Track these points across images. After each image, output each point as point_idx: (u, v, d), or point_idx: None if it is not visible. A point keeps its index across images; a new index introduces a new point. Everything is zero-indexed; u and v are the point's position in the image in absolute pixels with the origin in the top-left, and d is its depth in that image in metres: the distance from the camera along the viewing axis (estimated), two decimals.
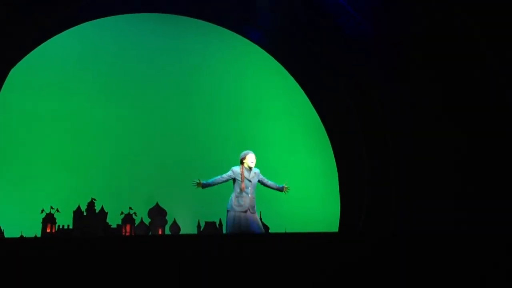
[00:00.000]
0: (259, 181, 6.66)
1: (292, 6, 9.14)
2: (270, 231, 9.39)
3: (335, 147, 10.14)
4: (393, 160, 8.46)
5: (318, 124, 10.31)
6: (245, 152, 6.65)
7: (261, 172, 6.75)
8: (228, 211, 6.51)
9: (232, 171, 6.55)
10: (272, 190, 6.86)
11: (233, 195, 6.51)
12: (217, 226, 9.29)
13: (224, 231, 8.15)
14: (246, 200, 6.42)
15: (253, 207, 6.49)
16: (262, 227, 6.69)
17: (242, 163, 6.60)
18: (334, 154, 10.13)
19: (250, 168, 6.55)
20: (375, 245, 3.94)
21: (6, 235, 7.89)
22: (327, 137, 10.22)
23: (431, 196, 7.54)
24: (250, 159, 6.56)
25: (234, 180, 6.56)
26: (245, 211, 6.40)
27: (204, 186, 6.58)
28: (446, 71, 7.50)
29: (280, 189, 6.78)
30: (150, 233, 8.99)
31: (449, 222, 6.99)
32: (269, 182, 6.74)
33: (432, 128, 7.87)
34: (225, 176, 6.57)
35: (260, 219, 9.01)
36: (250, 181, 6.49)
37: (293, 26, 9.52)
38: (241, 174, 6.47)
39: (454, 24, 7.09)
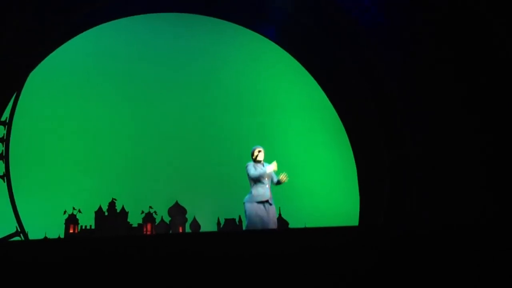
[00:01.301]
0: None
1: (307, 1, 9.08)
2: (289, 226, 9.39)
3: (353, 142, 10.07)
4: (413, 154, 8.36)
5: (335, 118, 10.25)
6: (253, 147, 6.77)
7: (282, 166, 6.78)
8: (245, 203, 6.56)
9: (249, 164, 6.65)
10: (279, 186, 6.88)
11: (252, 189, 6.59)
12: (237, 223, 9.32)
13: (244, 227, 8.19)
14: (264, 190, 6.50)
15: (271, 198, 6.56)
16: (277, 223, 6.75)
17: (253, 157, 6.72)
18: (352, 148, 10.06)
19: (260, 161, 6.65)
20: (395, 240, 3.91)
21: (31, 237, 8.04)
22: (344, 131, 10.15)
23: (454, 189, 7.44)
24: (259, 153, 6.68)
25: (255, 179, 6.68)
26: (265, 201, 6.45)
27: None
28: (466, 63, 7.38)
29: (278, 182, 6.79)
30: (170, 231, 9.07)
31: (472, 215, 6.89)
32: (274, 179, 6.79)
33: (452, 121, 7.76)
34: (250, 169, 6.64)
35: (280, 215, 9.06)
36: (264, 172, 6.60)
37: (308, 21, 9.46)
38: (255, 167, 6.59)
39: (473, 12, 6.97)
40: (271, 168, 6.55)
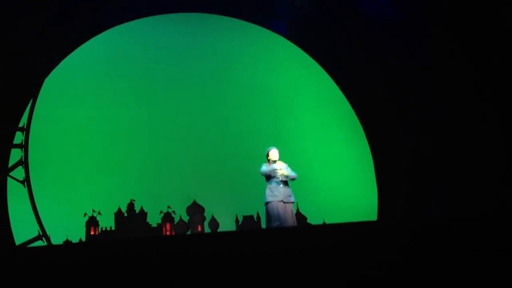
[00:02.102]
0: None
1: None
2: (308, 221, 9.39)
3: (369, 135, 9.99)
4: (431, 145, 8.27)
5: (350, 112, 10.19)
6: (268, 148, 6.99)
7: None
8: (266, 204, 6.72)
9: (264, 165, 6.81)
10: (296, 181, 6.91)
11: (267, 188, 6.72)
12: (255, 219, 9.35)
13: (263, 224, 8.22)
14: (279, 189, 6.63)
15: (287, 196, 6.66)
16: (295, 221, 6.82)
17: (268, 158, 6.84)
18: (368, 142, 9.99)
19: (275, 162, 6.78)
20: (415, 234, 3.88)
21: (53, 240, 8.15)
22: (360, 125, 10.08)
23: (473, 179, 7.34)
24: (272, 154, 6.90)
25: (267, 176, 6.75)
26: (281, 201, 6.58)
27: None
28: (478, 50, 7.26)
29: (294, 177, 6.82)
30: (189, 230, 9.13)
31: (493, 205, 6.80)
32: (291, 174, 6.81)
33: (469, 112, 7.65)
34: (264, 169, 6.76)
35: (298, 210, 9.06)
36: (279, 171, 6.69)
37: (317, 15, 9.40)
38: (269, 167, 6.71)
39: (482, 4, 6.86)
40: (280, 165, 6.62)
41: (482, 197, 7.01)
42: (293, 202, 6.75)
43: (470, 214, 6.62)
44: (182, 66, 10.53)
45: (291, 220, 6.57)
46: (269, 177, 6.74)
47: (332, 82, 10.23)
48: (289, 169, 6.82)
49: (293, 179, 6.79)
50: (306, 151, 9.74)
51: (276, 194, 6.64)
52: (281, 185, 6.68)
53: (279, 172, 6.65)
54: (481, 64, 7.27)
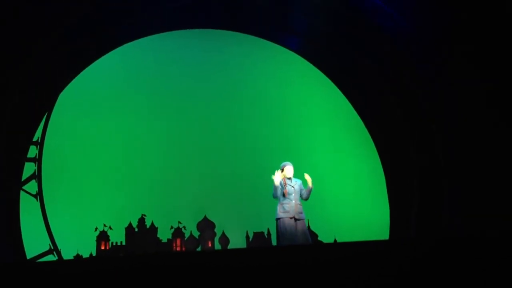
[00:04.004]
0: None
1: (330, 11, 9.06)
2: (319, 238, 9.29)
3: (380, 150, 9.95)
4: (444, 159, 8.19)
5: (361, 127, 10.17)
6: (284, 163, 6.85)
7: (310, 177, 6.77)
8: (276, 220, 6.62)
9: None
10: (307, 198, 6.81)
11: (278, 204, 6.63)
12: (266, 236, 9.28)
13: (273, 241, 8.15)
14: (291, 206, 6.55)
15: (298, 213, 6.57)
16: (309, 237, 6.70)
17: (282, 173, 6.74)
18: (379, 156, 9.94)
19: (289, 179, 6.68)
20: (428, 252, 3.82)
21: (63, 254, 8.17)
22: (371, 139, 10.05)
23: (487, 194, 7.22)
24: (288, 170, 6.74)
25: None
26: (292, 217, 6.49)
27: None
28: (490, 62, 7.22)
29: (309, 191, 6.72)
30: (200, 246, 9.09)
31: (508, 221, 6.67)
32: (304, 194, 6.74)
33: (481, 122, 7.57)
34: (273, 187, 6.68)
35: (308, 227, 8.98)
36: (292, 187, 6.60)
37: (331, 30, 9.44)
38: (283, 182, 6.60)
39: (495, 14, 6.84)
40: (277, 178, 6.54)
41: (496, 212, 6.89)
42: (304, 219, 6.66)
43: (484, 230, 6.50)
44: (195, 81, 10.61)
45: (302, 237, 6.47)
46: (281, 196, 6.64)
47: (343, 97, 10.25)
48: (302, 186, 6.73)
49: (305, 199, 6.71)
50: (317, 166, 9.70)
51: (287, 210, 6.53)
52: (293, 201, 6.59)
53: (277, 180, 6.54)
54: (496, 76, 7.22)
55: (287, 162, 6.82)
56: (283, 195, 6.57)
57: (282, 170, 6.73)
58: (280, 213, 6.54)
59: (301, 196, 6.68)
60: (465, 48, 7.55)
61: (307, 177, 6.61)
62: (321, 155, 10.35)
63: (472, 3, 7.14)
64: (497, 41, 7.06)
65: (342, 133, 10.62)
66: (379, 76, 9.37)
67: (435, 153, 8.44)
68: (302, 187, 6.73)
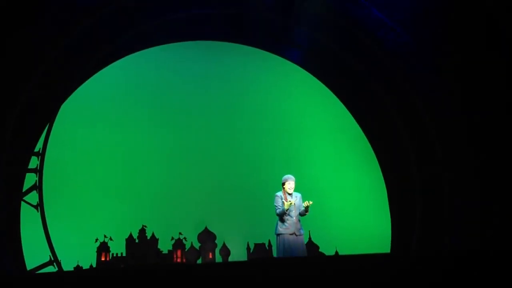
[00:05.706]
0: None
1: (332, 24, 9.12)
2: (320, 249, 9.26)
3: (382, 163, 9.95)
4: (445, 172, 8.18)
5: (363, 139, 10.18)
6: (285, 177, 6.78)
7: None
8: (277, 235, 6.63)
9: (277, 196, 6.66)
10: (305, 215, 6.79)
11: (278, 219, 6.62)
12: (267, 247, 9.25)
13: (274, 253, 8.12)
14: (291, 222, 6.55)
15: (298, 229, 6.57)
16: (306, 251, 6.72)
17: (283, 187, 6.71)
18: (381, 169, 9.94)
19: (290, 194, 6.64)
20: (430, 266, 3.80)
21: (64, 265, 8.13)
22: (373, 152, 10.06)
23: (488, 209, 7.21)
24: (289, 185, 6.68)
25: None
26: (292, 234, 6.50)
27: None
28: (492, 78, 7.24)
29: (303, 213, 6.70)
30: (200, 258, 9.06)
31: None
32: (301, 212, 6.71)
33: (485, 135, 7.58)
34: (279, 202, 6.62)
35: (310, 239, 8.96)
36: (293, 204, 6.58)
37: (333, 43, 9.49)
38: (283, 197, 6.58)
39: (497, 29, 6.88)
40: (286, 205, 6.48)
41: (499, 227, 6.87)
42: (302, 235, 6.67)
43: (487, 245, 6.47)
44: (196, 93, 10.65)
45: (301, 254, 6.49)
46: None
47: (345, 109, 10.27)
48: (301, 201, 6.70)
49: (302, 214, 6.69)
50: (318, 178, 9.70)
51: (287, 226, 6.52)
52: (294, 218, 6.57)
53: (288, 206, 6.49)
54: (500, 92, 7.24)
55: (289, 176, 6.74)
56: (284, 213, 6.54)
57: (283, 184, 6.69)
58: (281, 229, 6.54)
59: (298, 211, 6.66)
60: (468, 62, 7.58)
61: (306, 204, 6.54)
62: (322, 167, 10.36)
63: (475, 18, 7.18)
64: (495, 52, 7.10)
65: (344, 145, 10.64)
66: (381, 88, 9.40)
67: (436, 166, 8.44)
68: (301, 202, 6.68)
